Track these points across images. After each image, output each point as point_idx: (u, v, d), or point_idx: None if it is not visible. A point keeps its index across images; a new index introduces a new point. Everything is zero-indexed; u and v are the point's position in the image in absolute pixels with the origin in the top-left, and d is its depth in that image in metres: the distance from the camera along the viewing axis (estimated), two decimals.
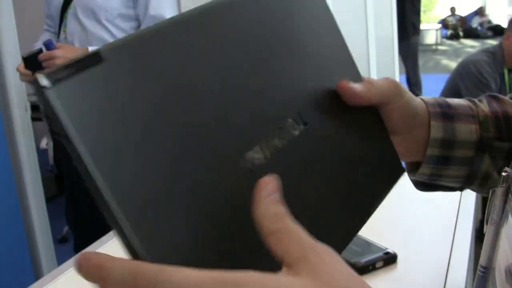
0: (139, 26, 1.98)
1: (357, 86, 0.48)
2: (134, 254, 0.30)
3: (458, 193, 1.25)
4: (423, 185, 0.62)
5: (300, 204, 0.40)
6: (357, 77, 0.51)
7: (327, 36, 0.50)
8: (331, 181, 0.44)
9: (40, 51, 1.75)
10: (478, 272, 0.50)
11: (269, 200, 0.32)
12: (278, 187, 0.33)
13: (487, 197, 0.50)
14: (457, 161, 0.57)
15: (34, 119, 2.55)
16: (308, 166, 0.42)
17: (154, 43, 0.34)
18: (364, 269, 0.95)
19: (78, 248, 2.17)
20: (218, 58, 0.38)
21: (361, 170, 0.48)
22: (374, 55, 3.54)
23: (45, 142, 4.03)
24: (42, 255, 2.48)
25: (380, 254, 0.97)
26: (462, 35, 15.02)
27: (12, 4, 2.41)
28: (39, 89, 0.28)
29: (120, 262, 0.29)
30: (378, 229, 1.11)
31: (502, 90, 2.97)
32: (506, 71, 3.03)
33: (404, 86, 0.54)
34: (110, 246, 1.13)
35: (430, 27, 14.85)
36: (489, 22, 15.18)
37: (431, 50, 14.01)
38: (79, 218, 2.15)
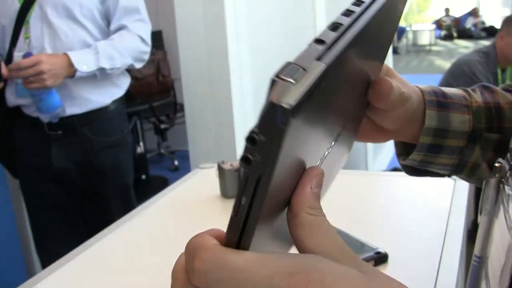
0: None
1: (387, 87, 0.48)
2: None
3: (450, 193, 1.25)
4: (412, 170, 0.63)
5: None
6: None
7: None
8: None
9: None
10: (472, 262, 0.51)
11: (314, 193, 0.32)
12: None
13: (479, 197, 0.50)
14: (448, 150, 0.58)
15: None
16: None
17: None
18: None
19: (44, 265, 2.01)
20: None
21: None
22: None
23: None
24: (34, 252, 2.47)
25: (371, 253, 0.98)
26: (456, 36, 15.09)
27: None
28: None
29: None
30: (369, 228, 1.11)
31: None
32: (499, 71, 3.05)
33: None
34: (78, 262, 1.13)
35: (424, 28, 14.91)
36: (483, 23, 15.27)
37: (425, 50, 14.07)
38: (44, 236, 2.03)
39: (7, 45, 1.82)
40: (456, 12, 15.77)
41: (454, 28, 15.16)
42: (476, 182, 0.63)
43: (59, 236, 1.96)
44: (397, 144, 0.63)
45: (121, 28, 1.86)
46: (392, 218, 1.19)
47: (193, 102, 2.30)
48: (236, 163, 1.33)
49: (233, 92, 2.20)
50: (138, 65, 1.94)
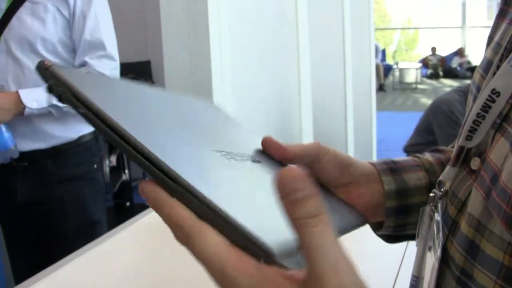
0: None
1: (281, 142, 0.54)
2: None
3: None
4: (393, 238, 0.65)
5: None
6: None
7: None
8: None
9: None
10: (410, 280, 0.56)
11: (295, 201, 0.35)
12: None
13: None
14: (415, 208, 0.60)
15: None
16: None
17: None
18: None
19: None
20: None
21: None
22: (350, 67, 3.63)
23: None
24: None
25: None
26: (442, 75, 15.30)
27: None
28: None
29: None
30: None
31: None
32: None
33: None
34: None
35: (411, 66, 15.12)
36: (469, 63, 15.49)
37: (411, 88, 14.25)
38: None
39: None
40: (443, 51, 16.03)
41: (440, 67, 15.37)
42: None
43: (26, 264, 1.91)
44: (371, 224, 0.64)
45: (83, 64, 1.80)
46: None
47: None
48: None
49: None
50: None
